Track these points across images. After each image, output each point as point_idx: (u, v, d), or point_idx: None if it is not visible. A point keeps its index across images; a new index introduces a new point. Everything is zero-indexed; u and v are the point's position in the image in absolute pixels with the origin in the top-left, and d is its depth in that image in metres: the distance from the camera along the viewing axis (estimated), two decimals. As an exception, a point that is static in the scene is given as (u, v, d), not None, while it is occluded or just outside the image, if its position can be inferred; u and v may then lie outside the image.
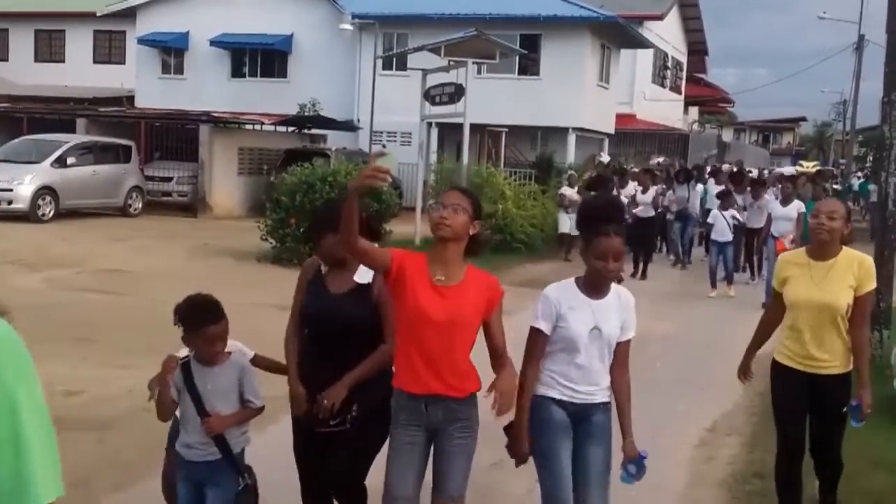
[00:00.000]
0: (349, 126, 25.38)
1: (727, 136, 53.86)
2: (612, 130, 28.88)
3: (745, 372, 4.66)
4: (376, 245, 3.47)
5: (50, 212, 17.75)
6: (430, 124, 18.26)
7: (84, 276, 11.78)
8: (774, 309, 4.52)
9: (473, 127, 16.93)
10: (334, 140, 24.63)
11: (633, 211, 14.27)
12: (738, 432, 6.34)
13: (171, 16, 28.96)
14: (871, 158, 43.63)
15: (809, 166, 37.08)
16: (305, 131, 25.11)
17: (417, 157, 17.51)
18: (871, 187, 24.24)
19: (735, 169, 21.19)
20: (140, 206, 20.34)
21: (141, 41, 29.43)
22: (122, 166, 19.84)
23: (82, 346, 7.95)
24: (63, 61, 34.76)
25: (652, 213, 14.81)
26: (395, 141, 25.96)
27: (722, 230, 12.69)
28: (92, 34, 34.44)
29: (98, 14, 30.82)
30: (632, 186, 15.67)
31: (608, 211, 3.52)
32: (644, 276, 14.05)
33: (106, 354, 7.68)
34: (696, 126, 43.67)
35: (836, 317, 4.16)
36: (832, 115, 61.36)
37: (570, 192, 15.77)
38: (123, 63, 33.06)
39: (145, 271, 12.33)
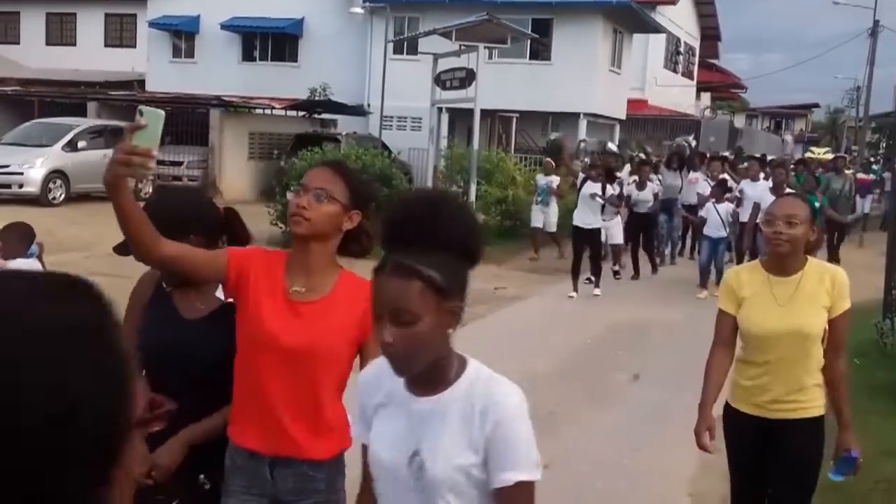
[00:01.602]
0: (359, 111, 25.33)
1: (739, 122, 53.50)
2: (623, 116, 28.73)
3: (704, 433, 3.42)
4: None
5: (61, 195, 17.80)
6: (440, 109, 18.20)
7: (94, 259, 11.81)
8: (725, 342, 3.51)
9: (484, 112, 16.88)
10: (345, 125, 24.60)
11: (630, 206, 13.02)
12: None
13: (182, -1, 28.94)
14: (884, 145, 43.30)
15: (821, 153, 36.78)
16: (316, 116, 25.08)
17: (428, 142, 17.48)
18: (886, 175, 23.57)
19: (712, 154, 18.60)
20: (150, 189, 20.35)
21: (152, 24, 29.40)
22: (132, 150, 19.86)
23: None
24: (74, 45, 34.75)
25: (648, 207, 13.31)
26: (405, 126, 25.91)
27: (716, 225, 11.55)
28: (103, 17, 34.42)
29: (109, -3, 30.79)
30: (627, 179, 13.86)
31: (410, 228, 1.72)
32: (655, 269, 13.29)
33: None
34: (708, 112, 43.41)
35: (808, 346, 3.30)
36: (845, 101, 60.99)
37: (546, 181, 14.24)
38: (134, 47, 33.04)
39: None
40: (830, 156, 31.71)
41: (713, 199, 11.77)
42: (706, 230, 11.70)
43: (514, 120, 25.70)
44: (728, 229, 11.55)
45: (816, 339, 3.29)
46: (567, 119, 25.11)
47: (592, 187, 11.38)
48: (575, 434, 5.98)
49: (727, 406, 3.52)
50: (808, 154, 34.56)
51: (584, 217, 11.27)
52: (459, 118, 23.37)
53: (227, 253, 2.45)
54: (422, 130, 23.14)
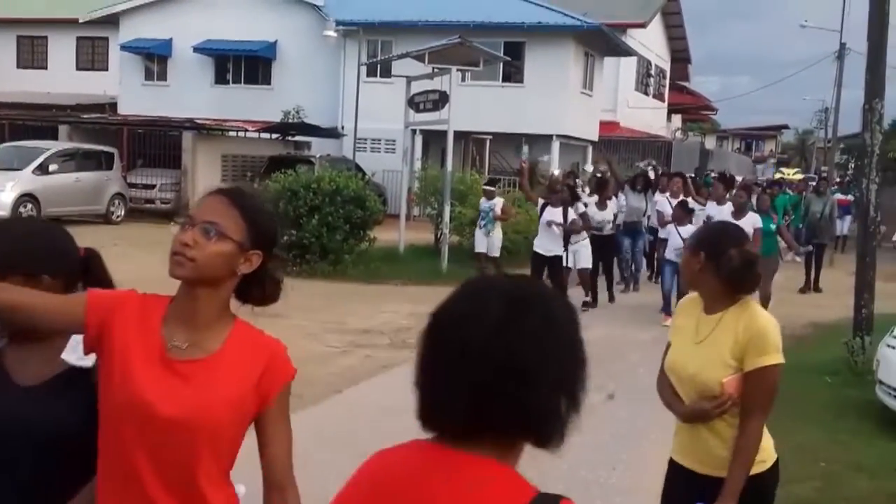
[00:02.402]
0: (333, 133, 25.37)
1: (710, 143, 54.17)
2: (595, 138, 28.99)
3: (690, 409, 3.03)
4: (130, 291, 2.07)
5: (31, 219, 17.62)
6: (414, 131, 18.27)
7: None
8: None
9: (458, 134, 16.93)
10: (318, 147, 24.62)
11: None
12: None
13: (154, 22, 28.87)
14: (852, 165, 43.98)
15: (791, 173, 37.19)
16: (289, 138, 25.08)
17: (402, 163, 17.52)
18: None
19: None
20: (123, 213, 20.23)
21: (124, 48, 29.31)
22: (104, 173, 19.74)
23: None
24: (45, 68, 34.55)
25: (612, 230, 12.77)
26: (379, 148, 25.97)
27: (677, 248, 10.57)
28: (75, 41, 34.25)
29: (81, 20, 30.66)
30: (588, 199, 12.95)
31: None
32: (612, 297, 12.55)
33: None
34: (679, 134, 43.90)
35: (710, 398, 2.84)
36: (814, 122, 61.88)
37: (489, 205, 13.43)
38: (106, 70, 32.91)
39: (128, 279, 12.10)
40: (800, 176, 32.13)
41: (675, 222, 11.15)
42: (667, 254, 11.17)
43: (488, 142, 25.85)
44: None
45: (713, 391, 2.80)
46: (540, 141, 25.29)
47: (551, 213, 10.96)
48: (550, 454, 5.98)
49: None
50: (778, 174, 35.01)
51: (544, 244, 10.92)
52: (433, 140, 23.47)
53: (86, 297, 1.95)
54: (395, 152, 23.23)
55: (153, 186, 21.30)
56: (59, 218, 18.24)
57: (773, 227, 11.02)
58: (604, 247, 12.36)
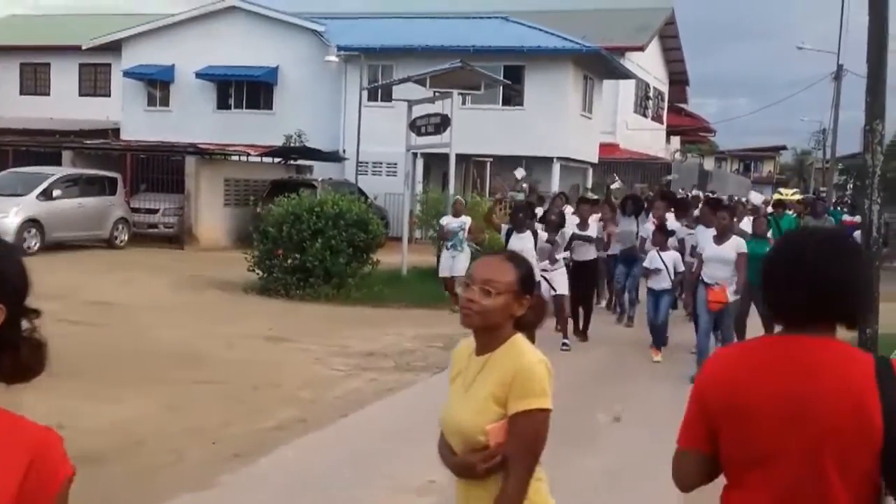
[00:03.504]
0: (335, 157, 25.49)
1: (709, 164, 54.37)
2: (595, 160, 29.14)
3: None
4: None
5: (36, 244, 17.67)
6: (415, 154, 18.38)
7: (70, 308, 11.73)
8: None
9: (458, 157, 17.02)
10: (320, 171, 24.72)
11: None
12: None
13: (156, 49, 29.08)
14: (850, 186, 44.07)
15: (789, 194, 37.15)
16: (291, 162, 25.20)
17: (403, 186, 17.59)
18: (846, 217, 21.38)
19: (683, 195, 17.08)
20: (126, 237, 20.28)
21: (127, 74, 29.51)
22: (107, 198, 19.82)
23: (69, 379, 7.90)
24: (48, 94, 34.80)
25: (593, 254, 11.57)
26: (380, 171, 26.09)
27: (659, 276, 10.08)
28: (77, 67, 34.53)
29: (84, 47, 30.91)
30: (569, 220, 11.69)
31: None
32: (585, 335, 11.18)
33: (93, 387, 7.64)
34: (678, 155, 44.08)
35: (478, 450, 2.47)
36: (812, 143, 62.16)
37: (458, 223, 12.81)
38: (109, 95, 33.15)
39: (132, 303, 12.30)
40: (798, 196, 32.16)
41: (657, 247, 10.34)
42: (650, 282, 10.27)
43: (489, 164, 25.97)
44: (673, 281, 10.16)
45: (479, 441, 2.45)
46: (541, 163, 25.41)
47: (518, 240, 9.96)
48: (557, 477, 5.98)
49: None
50: (777, 195, 34.98)
51: None
52: (434, 163, 23.57)
53: None
54: (397, 175, 23.32)
55: (156, 211, 21.36)
56: (62, 243, 18.34)
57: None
58: (584, 274, 11.28)
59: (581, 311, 11.28)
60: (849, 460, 1.90)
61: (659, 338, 10.12)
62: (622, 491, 5.79)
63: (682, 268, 10.25)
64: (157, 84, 29.75)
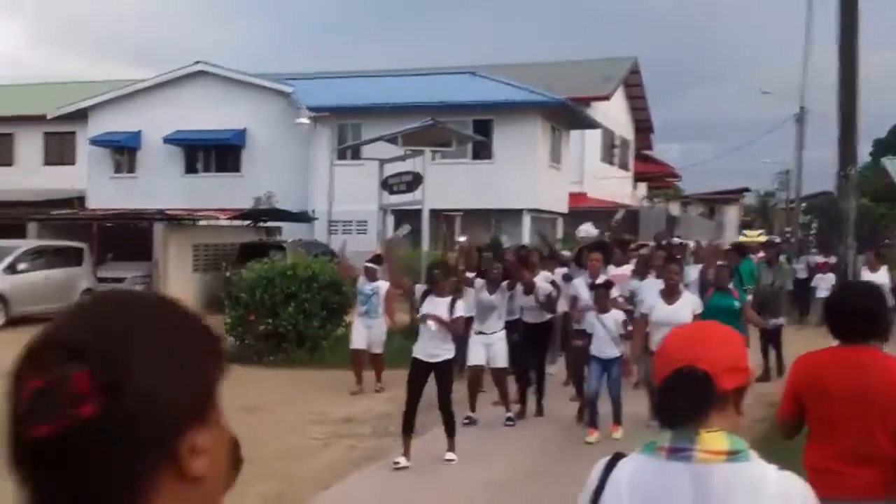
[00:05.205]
0: (304, 217, 25.36)
1: (674, 209, 54.90)
2: (565, 210, 29.25)
3: None
4: None
5: (0, 319, 17.29)
6: (385, 211, 18.33)
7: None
8: None
9: (429, 212, 16.97)
10: (290, 232, 24.56)
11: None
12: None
13: (123, 115, 28.99)
14: (815, 226, 44.53)
15: (755, 235, 37.10)
16: (261, 224, 25.02)
17: (375, 245, 17.45)
18: (792, 266, 18.16)
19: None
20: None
21: (93, 142, 29.33)
22: (74, 269, 19.48)
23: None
24: (12, 164, 34.46)
25: (545, 317, 9.86)
26: (350, 230, 25.96)
27: (604, 342, 8.49)
28: (42, 136, 34.27)
29: (49, 116, 30.72)
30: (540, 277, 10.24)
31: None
32: (540, 411, 9.67)
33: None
34: (646, 202, 44.46)
35: None
36: (775, 184, 62.90)
37: (371, 287, 11.22)
38: (74, 164, 32.86)
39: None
40: (764, 238, 32.29)
41: (595, 310, 8.72)
42: (592, 349, 8.59)
43: (458, 218, 25.97)
44: (621, 346, 8.60)
45: None
46: (511, 215, 25.46)
47: (434, 303, 7.79)
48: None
49: None
50: (741, 237, 35.07)
51: (426, 347, 7.69)
52: (404, 219, 23.39)
53: None
54: (367, 233, 23.20)
55: (123, 280, 21.04)
56: (28, 317, 17.94)
57: (736, 304, 8.87)
58: (534, 338, 9.76)
59: (533, 378, 9.75)
60: (889, 425, 3.16)
61: (593, 412, 8.52)
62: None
63: (621, 329, 8.58)
64: (124, 151, 29.59)
